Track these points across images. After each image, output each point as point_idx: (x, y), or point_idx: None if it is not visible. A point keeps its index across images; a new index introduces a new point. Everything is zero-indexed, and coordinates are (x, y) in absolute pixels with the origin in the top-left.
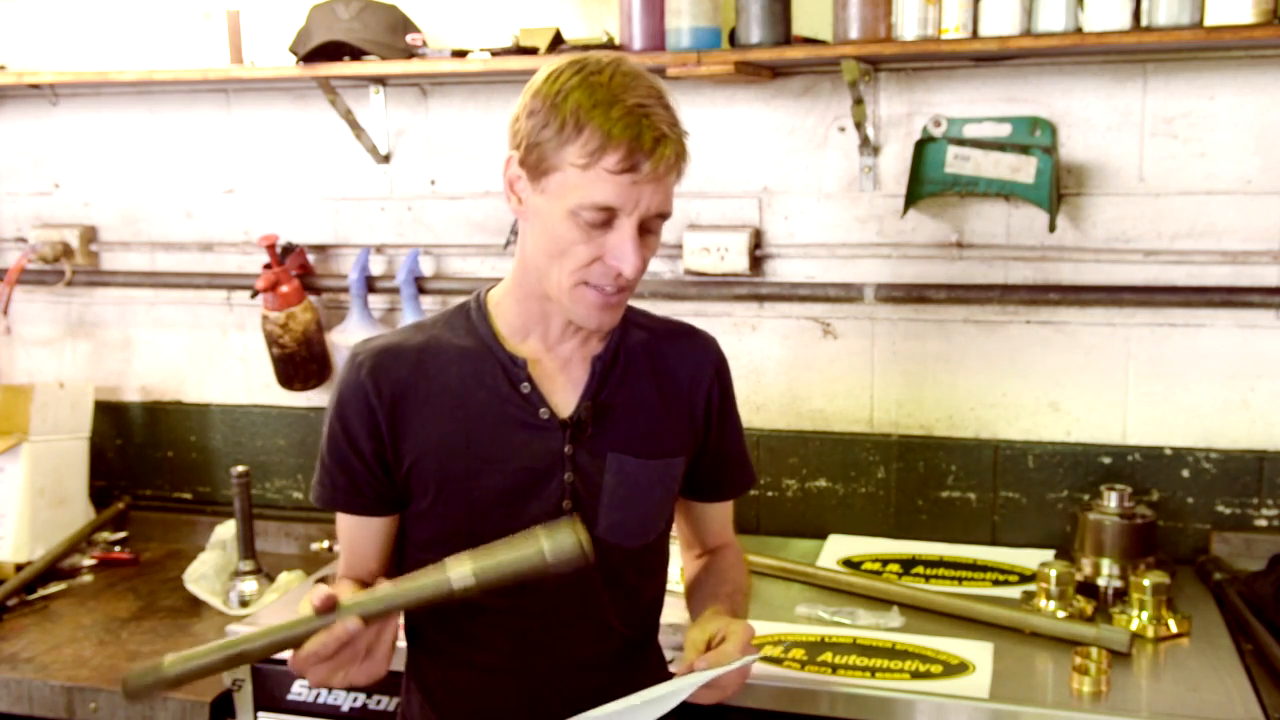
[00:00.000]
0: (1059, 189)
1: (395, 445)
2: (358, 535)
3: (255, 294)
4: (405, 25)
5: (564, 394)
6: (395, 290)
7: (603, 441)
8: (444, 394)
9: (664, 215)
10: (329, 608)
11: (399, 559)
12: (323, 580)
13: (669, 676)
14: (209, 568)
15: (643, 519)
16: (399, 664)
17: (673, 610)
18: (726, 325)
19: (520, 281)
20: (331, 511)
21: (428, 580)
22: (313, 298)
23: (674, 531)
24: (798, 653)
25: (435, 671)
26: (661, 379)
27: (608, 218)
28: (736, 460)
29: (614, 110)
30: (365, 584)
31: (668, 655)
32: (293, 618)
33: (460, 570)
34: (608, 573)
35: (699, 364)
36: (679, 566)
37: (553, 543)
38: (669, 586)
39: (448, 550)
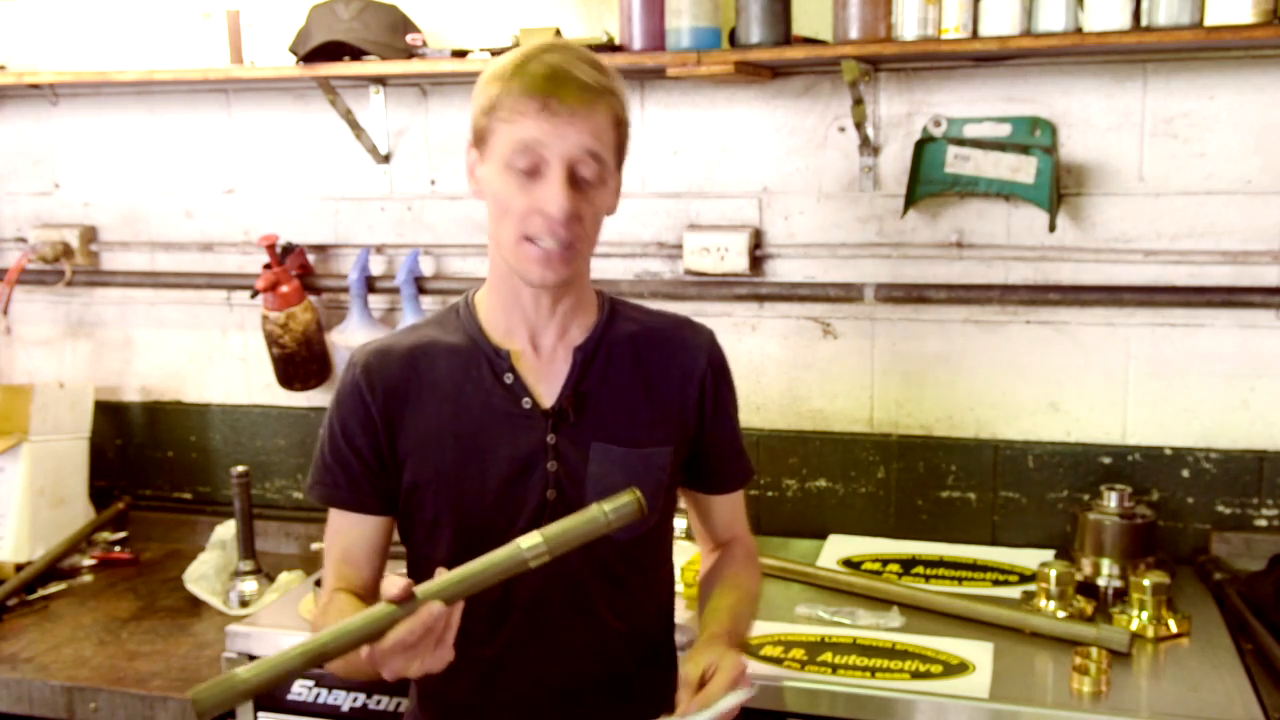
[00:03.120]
0: (1059, 189)
1: (390, 440)
2: (353, 537)
3: (255, 294)
4: (405, 25)
5: (547, 384)
6: (395, 290)
7: (585, 431)
8: (435, 390)
9: (597, 159)
10: (407, 596)
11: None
12: (321, 583)
13: (675, 664)
14: (209, 568)
15: None
16: None
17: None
18: (726, 325)
19: (492, 267)
20: (329, 507)
21: (501, 555)
22: (313, 298)
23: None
24: (798, 653)
25: None
26: (648, 370)
27: (536, 164)
28: (732, 453)
29: (530, 65)
30: (359, 596)
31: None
32: (368, 612)
33: (531, 541)
34: (594, 563)
35: (691, 355)
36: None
37: (612, 504)
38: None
39: (441, 544)
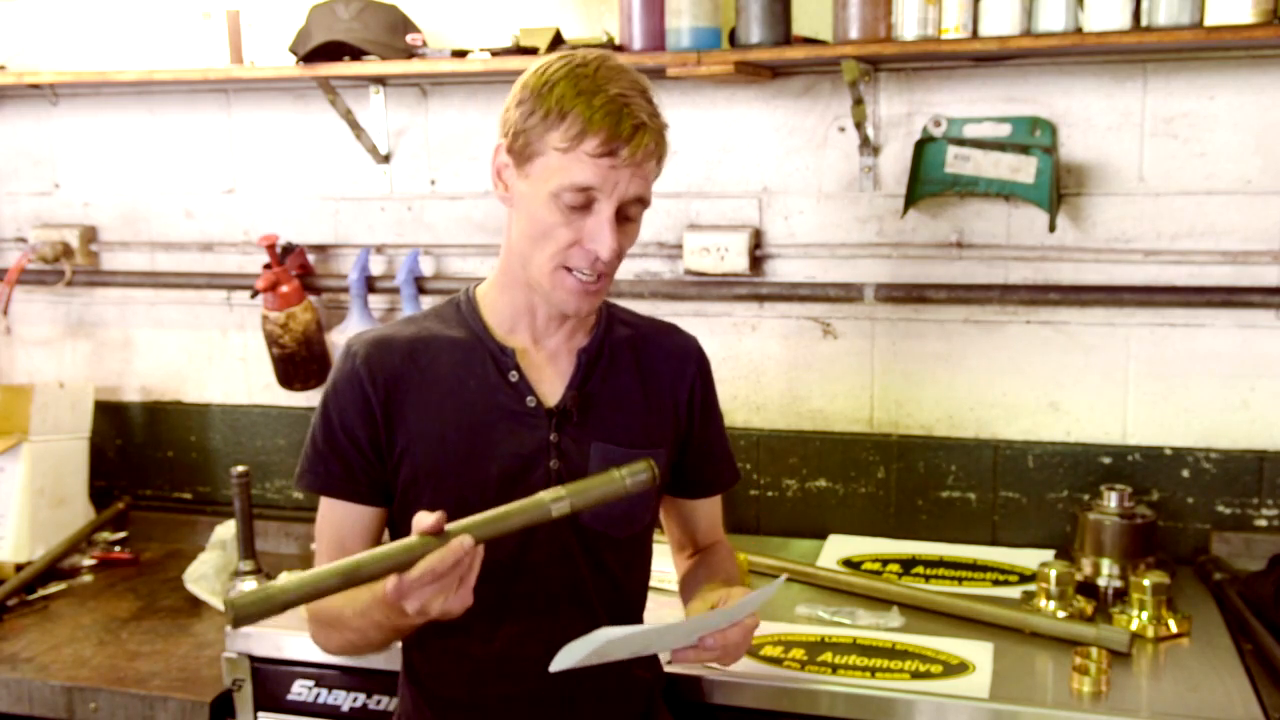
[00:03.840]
0: (1059, 189)
1: (390, 432)
2: (346, 526)
3: (255, 294)
4: (405, 25)
5: (551, 384)
6: (395, 290)
7: (587, 431)
8: (436, 383)
9: (642, 201)
10: (439, 529)
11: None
12: None
13: (659, 667)
14: (209, 568)
15: (628, 508)
16: (394, 663)
17: (669, 610)
18: (726, 325)
19: (506, 270)
20: (320, 496)
21: (527, 504)
22: (313, 298)
23: (660, 533)
24: (798, 653)
25: (428, 665)
26: (645, 373)
27: (586, 200)
28: (720, 456)
29: (596, 99)
30: None
31: (663, 656)
32: (400, 541)
33: (555, 494)
34: (593, 560)
35: (682, 360)
36: (670, 564)
37: (629, 469)
38: (662, 585)
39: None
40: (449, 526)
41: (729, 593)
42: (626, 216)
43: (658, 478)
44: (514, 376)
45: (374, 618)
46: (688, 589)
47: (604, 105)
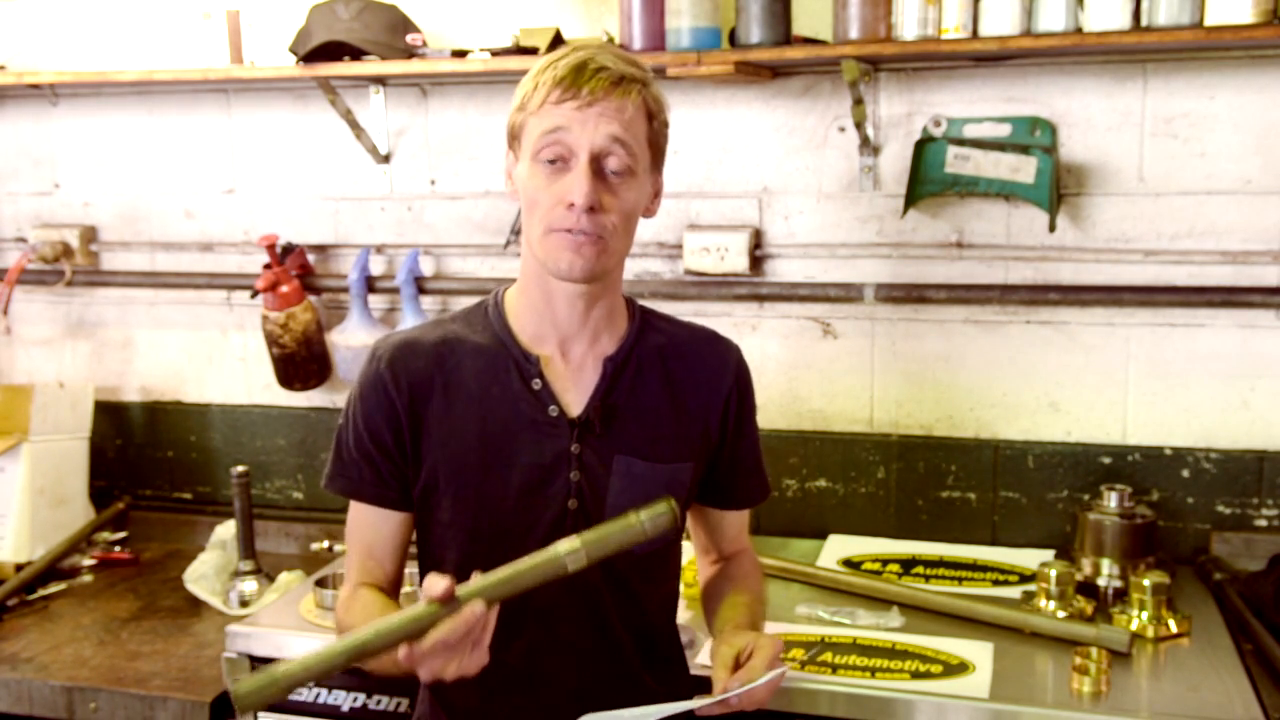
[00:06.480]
0: (1059, 189)
1: (415, 436)
2: (377, 531)
3: (255, 294)
4: (405, 25)
5: (575, 394)
6: (395, 290)
7: (610, 443)
8: (459, 388)
9: (626, 149)
10: (450, 597)
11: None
12: (321, 583)
13: (685, 671)
14: (209, 568)
15: None
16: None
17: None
18: (726, 325)
19: (524, 271)
20: (352, 500)
21: (541, 559)
22: (313, 298)
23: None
24: (798, 653)
25: None
26: (675, 385)
27: (562, 154)
28: (751, 471)
29: (559, 61)
30: (381, 589)
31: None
32: (409, 611)
33: (570, 546)
34: (611, 576)
35: (718, 372)
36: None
37: (649, 513)
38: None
39: (454, 546)
40: (460, 590)
41: (756, 643)
42: (612, 171)
43: (679, 518)
44: (537, 385)
45: (386, 667)
46: (710, 599)
47: (565, 62)
